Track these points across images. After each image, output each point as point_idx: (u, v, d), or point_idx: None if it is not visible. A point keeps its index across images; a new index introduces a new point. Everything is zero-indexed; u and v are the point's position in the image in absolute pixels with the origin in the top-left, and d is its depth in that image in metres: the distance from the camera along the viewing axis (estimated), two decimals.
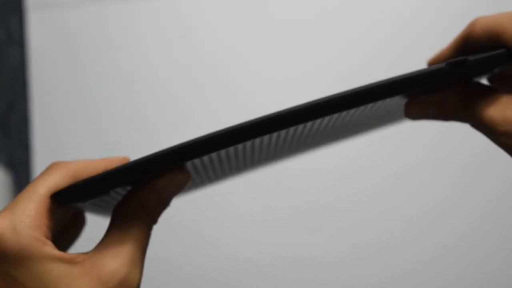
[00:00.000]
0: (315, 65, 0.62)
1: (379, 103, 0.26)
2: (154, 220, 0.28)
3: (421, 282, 0.58)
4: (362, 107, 0.26)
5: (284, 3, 0.63)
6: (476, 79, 0.28)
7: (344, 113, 0.26)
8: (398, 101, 0.29)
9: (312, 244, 0.59)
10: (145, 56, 0.63)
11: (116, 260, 0.25)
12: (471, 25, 0.27)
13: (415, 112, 0.29)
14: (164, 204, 0.28)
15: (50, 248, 0.25)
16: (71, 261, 0.25)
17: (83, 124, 0.62)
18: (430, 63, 0.31)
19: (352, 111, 0.26)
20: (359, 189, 0.60)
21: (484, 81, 0.31)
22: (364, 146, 0.60)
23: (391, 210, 0.60)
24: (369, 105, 0.26)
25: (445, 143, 0.60)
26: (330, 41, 0.62)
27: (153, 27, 0.63)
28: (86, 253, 0.26)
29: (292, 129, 0.26)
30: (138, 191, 0.27)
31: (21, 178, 0.63)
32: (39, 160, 0.62)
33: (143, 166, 0.24)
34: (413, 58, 0.62)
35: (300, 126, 0.26)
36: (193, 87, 0.62)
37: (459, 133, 0.60)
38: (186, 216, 0.60)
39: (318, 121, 0.26)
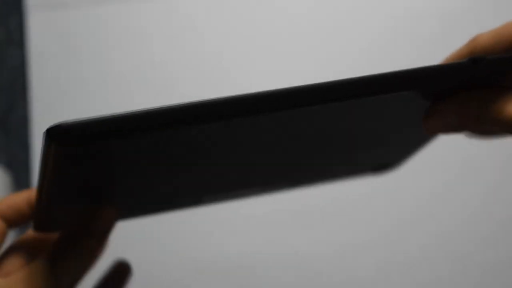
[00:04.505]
0: (317, 63, 0.62)
1: (391, 104, 0.25)
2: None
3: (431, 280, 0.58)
4: (370, 103, 0.24)
5: (285, 2, 0.63)
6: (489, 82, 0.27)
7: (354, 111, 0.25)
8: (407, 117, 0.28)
9: (309, 241, 0.59)
10: (146, 57, 0.63)
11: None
12: (474, 41, 0.27)
13: (434, 123, 0.27)
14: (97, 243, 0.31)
15: None
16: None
17: None
18: None
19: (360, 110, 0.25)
20: (357, 188, 0.60)
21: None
22: None
23: (391, 208, 0.60)
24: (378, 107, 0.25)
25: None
26: (332, 37, 0.62)
27: (153, 28, 0.63)
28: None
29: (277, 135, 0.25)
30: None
31: (21, 178, 0.63)
32: (39, 160, 0.62)
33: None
34: (416, 59, 0.62)
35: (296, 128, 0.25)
36: (194, 87, 0.62)
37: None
38: (179, 214, 0.60)
39: (315, 120, 0.25)
